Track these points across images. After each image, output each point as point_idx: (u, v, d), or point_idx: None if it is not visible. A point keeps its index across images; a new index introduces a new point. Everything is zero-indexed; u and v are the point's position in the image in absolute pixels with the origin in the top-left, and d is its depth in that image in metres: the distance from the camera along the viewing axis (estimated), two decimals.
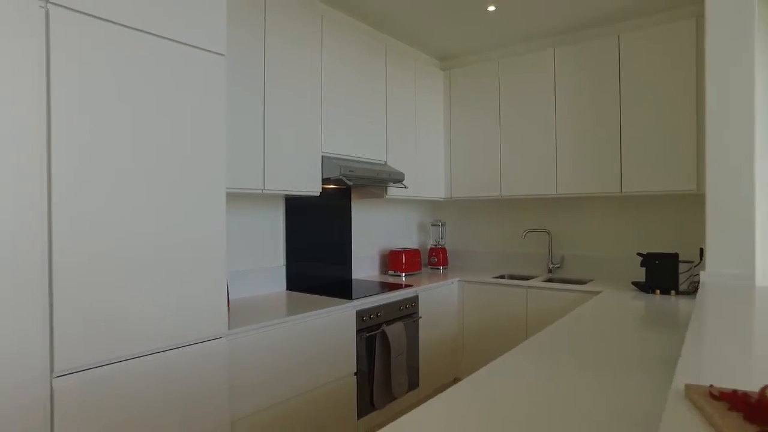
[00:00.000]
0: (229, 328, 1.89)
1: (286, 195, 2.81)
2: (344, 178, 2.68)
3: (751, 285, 2.26)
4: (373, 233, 3.69)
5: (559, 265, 3.59)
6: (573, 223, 3.57)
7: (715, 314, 1.51)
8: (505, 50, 3.81)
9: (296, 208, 2.99)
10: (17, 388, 1.30)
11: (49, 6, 1.34)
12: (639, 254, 2.79)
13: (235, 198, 2.63)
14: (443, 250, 4.00)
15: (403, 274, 3.58)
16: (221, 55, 1.83)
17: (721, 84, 2.42)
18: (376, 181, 2.99)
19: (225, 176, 1.84)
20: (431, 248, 4.05)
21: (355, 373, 2.52)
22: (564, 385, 1.22)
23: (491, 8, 2.90)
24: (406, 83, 3.45)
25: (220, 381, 1.81)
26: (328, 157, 2.75)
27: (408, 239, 4.10)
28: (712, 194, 2.45)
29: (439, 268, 3.96)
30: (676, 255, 2.71)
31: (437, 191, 3.83)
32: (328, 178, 2.73)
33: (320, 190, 2.72)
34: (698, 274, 2.87)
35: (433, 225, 4.16)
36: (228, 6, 2.18)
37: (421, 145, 3.64)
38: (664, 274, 2.71)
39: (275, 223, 2.88)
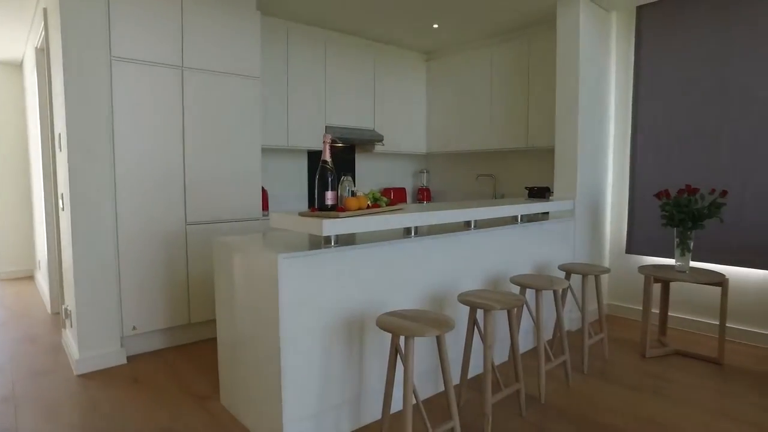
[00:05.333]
0: (262, 216, 3.77)
1: (308, 150, 4.62)
2: (337, 139, 4.42)
3: (572, 203, 3.74)
4: (375, 177, 5.42)
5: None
6: (507, 170, 5.06)
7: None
8: (465, 46, 5.24)
9: (316, 158, 4.80)
10: (173, 229, 3.25)
11: (183, 69, 3.21)
12: (526, 188, 4.29)
13: (273, 152, 4.47)
14: (427, 189, 5.66)
15: None
16: (257, 77, 3.62)
17: (564, 81, 3.82)
18: (362, 141, 4.71)
19: (260, 139, 3.67)
20: (419, 188, 5.72)
21: None
22: None
23: (435, 26, 4.41)
24: (391, 73, 5.07)
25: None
26: (329, 126, 4.50)
27: (403, 182, 5.79)
28: (557, 148, 3.90)
29: (423, 203, 5.62)
30: (546, 188, 4.18)
31: (419, 147, 5.46)
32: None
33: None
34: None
35: (419, 172, 5.81)
36: (264, 41, 3.95)
37: (404, 115, 5.26)
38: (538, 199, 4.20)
39: (302, 167, 4.71)
